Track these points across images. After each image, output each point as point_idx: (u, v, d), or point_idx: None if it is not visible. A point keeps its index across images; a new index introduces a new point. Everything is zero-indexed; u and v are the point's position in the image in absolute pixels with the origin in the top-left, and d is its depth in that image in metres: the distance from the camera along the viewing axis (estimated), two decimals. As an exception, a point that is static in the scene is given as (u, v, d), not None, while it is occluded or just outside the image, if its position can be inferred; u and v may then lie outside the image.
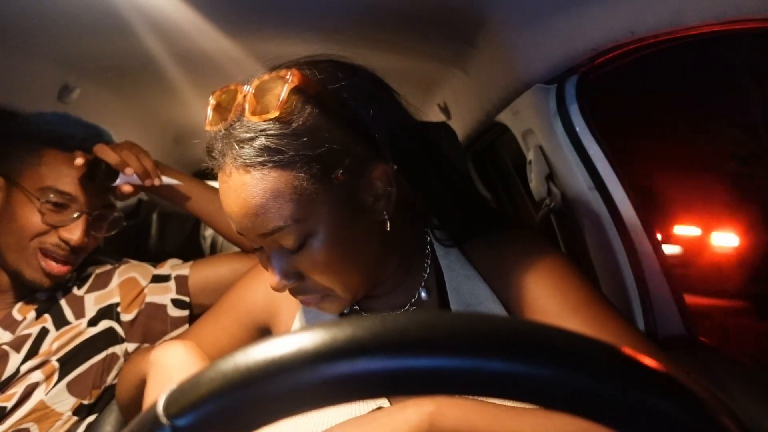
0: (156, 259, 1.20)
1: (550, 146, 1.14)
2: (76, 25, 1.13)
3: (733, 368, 0.88)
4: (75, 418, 1.01)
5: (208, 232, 2.42)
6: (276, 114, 0.60)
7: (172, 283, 1.11)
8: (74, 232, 0.99)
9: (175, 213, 2.22)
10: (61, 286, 1.08)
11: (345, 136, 0.64)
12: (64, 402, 0.99)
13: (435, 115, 1.86)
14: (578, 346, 0.26)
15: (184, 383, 0.27)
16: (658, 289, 1.01)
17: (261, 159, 0.60)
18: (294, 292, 0.70)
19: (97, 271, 1.13)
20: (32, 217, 0.98)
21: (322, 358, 0.25)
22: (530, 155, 1.23)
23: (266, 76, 0.62)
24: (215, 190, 1.19)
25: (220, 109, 0.66)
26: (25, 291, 1.05)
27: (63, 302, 1.06)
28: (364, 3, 1.05)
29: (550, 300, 0.68)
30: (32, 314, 1.02)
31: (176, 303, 1.10)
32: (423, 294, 0.77)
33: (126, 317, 1.07)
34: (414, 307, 0.77)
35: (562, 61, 0.96)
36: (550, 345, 0.25)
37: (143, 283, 1.11)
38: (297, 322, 0.83)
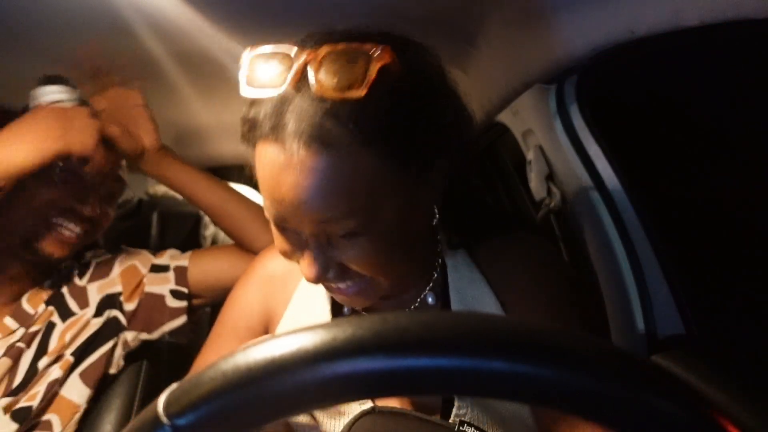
0: (156, 259, 1.20)
1: (550, 146, 1.14)
2: (76, 25, 1.13)
3: (732, 368, 0.88)
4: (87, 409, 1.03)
5: (208, 232, 2.42)
6: (362, 93, 0.52)
7: (171, 274, 1.11)
8: (86, 201, 1.01)
9: (175, 213, 2.22)
10: (64, 277, 1.08)
11: (419, 128, 0.59)
12: (79, 393, 1.01)
13: (435, 115, 1.86)
14: (578, 347, 0.26)
15: (184, 383, 0.27)
16: (658, 289, 1.01)
17: (333, 138, 0.54)
18: (329, 281, 0.65)
19: (97, 260, 1.13)
20: (44, 186, 0.99)
21: (322, 358, 0.25)
22: (530, 155, 1.23)
23: (340, 46, 0.55)
24: (218, 181, 1.19)
25: (267, 72, 0.57)
26: (35, 278, 1.05)
27: (66, 293, 1.06)
28: (363, 3, 1.05)
29: (543, 314, 0.69)
30: (42, 307, 1.03)
31: (175, 294, 1.10)
32: (429, 299, 0.77)
33: (128, 306, 1.08)
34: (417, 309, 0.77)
35: (562, 61, 0.96)
36: (550, 345, 0.25)
37: (143, 270, 1.11)
38: (286, 318, 0.82)
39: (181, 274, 1.11)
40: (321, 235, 0.60)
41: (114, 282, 1.09)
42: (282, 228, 0.63)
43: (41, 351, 0.99)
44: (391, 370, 0.25)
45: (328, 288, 0.70)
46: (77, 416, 0.99)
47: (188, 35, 1.15)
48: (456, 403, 0.70)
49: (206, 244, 2.37)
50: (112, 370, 1.07)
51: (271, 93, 0.56)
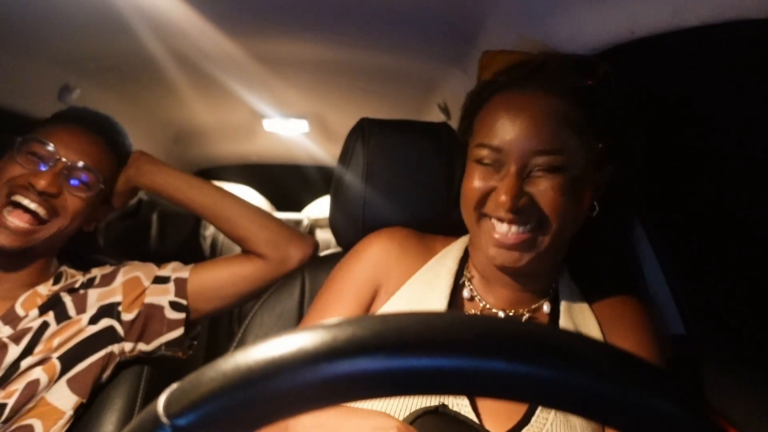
0: (156, 259, 1.19)
1: (550, 146, 1.14)
2: (76, 26, 1.13)
3: (733, 368, 0.88)
4: (74, 418, 1.01)
5: (209, 232, 2.42)
6: (587, 83, 0.74)
7: (171, 285, 1.11)
8: (43, 176, 0.99)
9: (175, 213, 2.22)
10: (68, 287, 1.08)
11: (616, 121, 0.78)
12: (65, 399, 0.99)
13: (435, 115, 1.86)
14: (578, 347, 0.26)
15: (184, 383, 0.27)
16: (658, 289, 1.01)
17: (570, 93, 0.73)
18: (513, 212, 0.72)
19: (102, 272, 1.13)
20: (10, 165, 1.00)
21: (322, 358, 0.25)
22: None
23: (570, 60, 0.79)
24: (213, 186, 1.20)
25: (502, 66, 0.81)
26: (25, 281, 1.05)
27: (67, 298, 1.06)
28: (364, 3, 1.05)
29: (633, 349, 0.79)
30: (35, 311, 1.02)
31: (173, 305, 1.09)
32: (545, 308, 0.82)
33: (127, 316, 1.07)
34: (531, 312, 0.83)
35: (562, 61, 0.96)
36: (550, 345, 0.25)
37: (146, 283, 1.10)
38: (401, 294, 0.85)
39: (180, 285, 1.11)
40: (525, 165, 0.72)
41: (115, 291, 1.08)
42: (483, 162, 0.76)
43: (27, 350, 0.98)
44: (391, 370, 0.25)
45: (497, 235, 0.75)
46: (61, 422, 0.98)
47: (188, 35, 1.16)
48: (537, 413, 0.72)
49: (206, 245, 2.38)
50: (105, 378, 1.06)
51: (515, 74, 0.78)
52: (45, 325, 1.01)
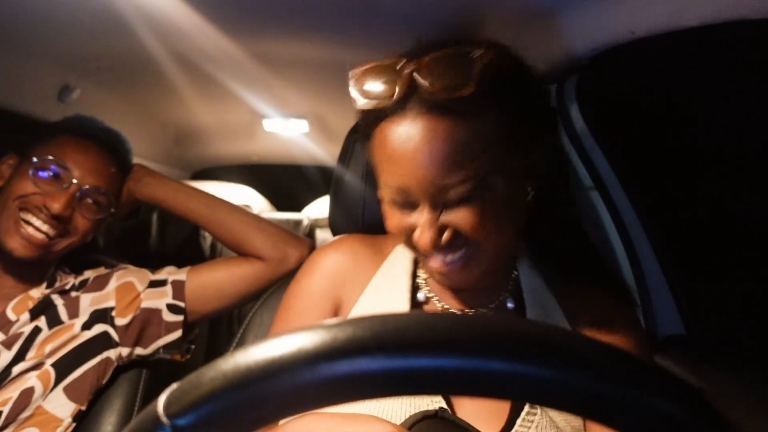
0: (156, 259, 1.19)
1: (550, 146, 1.14)
2: (76, 25, 1.13)
3: (732, 368, 0.88)
4: (75, 424, 1.01)
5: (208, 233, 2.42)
6: (470, 90, 0.61)
7: (168, 288, 1.11)
8: (57, 199, 0.99)
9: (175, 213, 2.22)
10: (58, 288, 1.07)
11: (526, 110, 0.68)
12: (63, 407, 0.99)
13: (435, 115, 1.85)
14: (578, 347, 0.26)
15: (184, 383, 0.27)
16: (658, 289, 1.01)
17: (453, 108, 0.62)
18: (441, 249, 0.69)
19: (95, 275, 1.12)
20: (23, 182, 1.00)
21: (322, 358, 0.25)
22: (530, 155, 1.23)
23: (439, 52, 0.63)
24: (210, 194, 1.20)
25: (377, 85, 0.66)
26: (19, 284, 1.04)
27: (58, 302, 1.05)
28: (364, 3, 1.05)
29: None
30: (26, 315, 1.01)
31: (171, 308, 1.09)
32: (509, 304, 0.80)
33: (120, 321, 1.07)
34: (492, 310, 0.79)
35: (562, 61, 0.96)
36: (550, 345, 0.25)
37: (140, 288, 1.10)
38: (362, 303, 0.82)
39: (178, 288, 1.11)
40: (438, 201, 0.66)
41: (108, 296, 1.08)
42: (399, 204, 0.69)
43: (19, 356, 0.97)
44: (391, 371, 0.25)
45: (434, 266, 0.72)
46: (60, 430, 0.98)
47: (188, 35, 1.15)
48: (526, 409, 0.70)
49: (206, 245, 2.37)
50: (104, 383, 1.06)
51: (385, 103, 0.65)
52: (37, 330, 1.01)
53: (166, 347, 1.09)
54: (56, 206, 0.98)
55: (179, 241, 2.28)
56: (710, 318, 0.97)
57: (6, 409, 0.93)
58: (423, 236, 0.66)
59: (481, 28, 1.11)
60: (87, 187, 1.03)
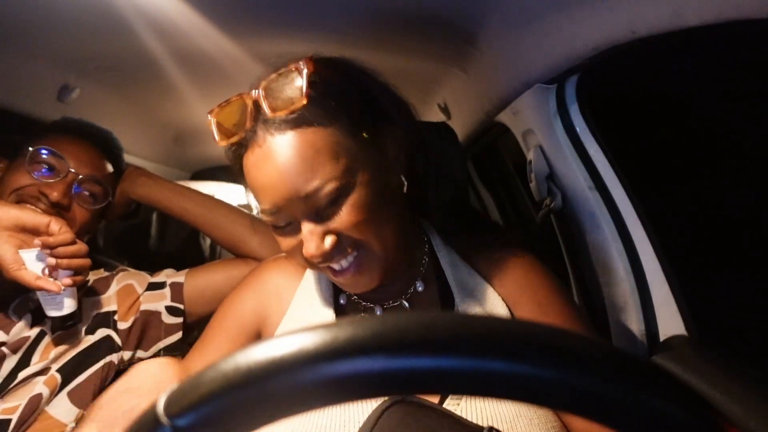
0: (156, 259, 1.20)
1: (550, 146, 1.14)
2: (76, 25, 1.13)
3: (732, 368, 0.88)
4: None
5: (208, 232, 2.42)
6: (304, 101, 0.66)
7: (167, 290, 1.11)
8: (55, 187, 1.00)
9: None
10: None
11: (354, 99, 0.72)
12: (67, 412, 0.99)
13: (435, 115, 1.86)
14: (578, 347, 0.26)
15: (184, 383, 0.27)
16: (658, 289, 1.01)
17: (295, 121, 0.67)
18: (330, 256, 0.71)
19: (95, 277, 1.12)
20: (19, 174, 1.01)
21: (322, 358, 0.25)
22: (530, 155, 1.23)
23: (273, 75, 0.69)
24: (206, 195, 1.21)
25: (229, 123, 0.71)
26: (19, 285, 1.04)
27: None
28: (364, 3, 1.05)
29: (534, 306, 0.79)
30: (29, 316, 1.01)
31: (170, 310, 1.09)
32: (419, 286, 0.82)
33: (123, 325, 1.07)
34: (410, 298, 0.83)
35: (562, 61, 0.96)
36: (550, 345, 0.25)
37: (139, 290, 1.10)
38: (285, 322, 0.85)
39: (177, 290, 1.11)
40: (311, 211, 0.68)
41: (110, 300, 1.08)
42: (280, 227, 0.72)
43: (24, 361, 0.97)
44: (391, 371, 0.25)
45: (330, 275, 0.74)
46: None
47: (188, 35, 1.15)
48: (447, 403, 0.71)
49: (206, 245, 2.38)
50: (105, 387, 1.05)
51: (240, 137, 0.70)
52: (42, 334, 1.01)
53: (167, 349, 1.10)
54: (55, 194, 0.99)
55: (179, 242, 2.28)
56: (710, 318, 0.97)
57: (15, 417, 0.93)
58: (307, 246, 0.69)
59: (481, 28, 1.11)
60: (83, 176, 1.04)
